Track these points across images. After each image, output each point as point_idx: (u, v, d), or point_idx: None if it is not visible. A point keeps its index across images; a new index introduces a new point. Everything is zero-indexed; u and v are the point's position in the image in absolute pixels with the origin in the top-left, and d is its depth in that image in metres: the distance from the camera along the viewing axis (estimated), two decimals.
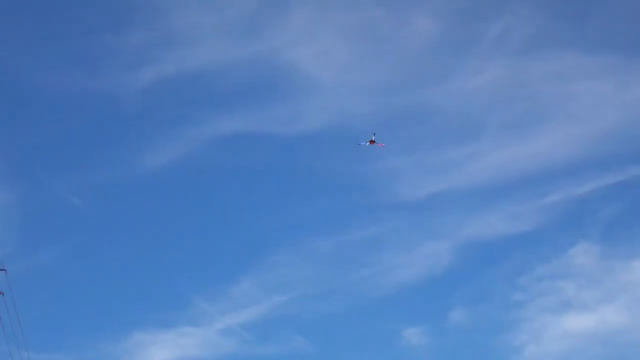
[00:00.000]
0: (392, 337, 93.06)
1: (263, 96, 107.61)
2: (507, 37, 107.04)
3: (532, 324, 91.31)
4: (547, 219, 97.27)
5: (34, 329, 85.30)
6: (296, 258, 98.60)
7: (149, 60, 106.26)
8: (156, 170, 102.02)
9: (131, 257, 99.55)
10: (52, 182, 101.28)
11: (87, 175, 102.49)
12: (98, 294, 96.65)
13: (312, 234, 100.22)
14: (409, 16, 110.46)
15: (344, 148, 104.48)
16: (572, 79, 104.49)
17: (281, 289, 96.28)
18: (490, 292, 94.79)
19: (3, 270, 69.52)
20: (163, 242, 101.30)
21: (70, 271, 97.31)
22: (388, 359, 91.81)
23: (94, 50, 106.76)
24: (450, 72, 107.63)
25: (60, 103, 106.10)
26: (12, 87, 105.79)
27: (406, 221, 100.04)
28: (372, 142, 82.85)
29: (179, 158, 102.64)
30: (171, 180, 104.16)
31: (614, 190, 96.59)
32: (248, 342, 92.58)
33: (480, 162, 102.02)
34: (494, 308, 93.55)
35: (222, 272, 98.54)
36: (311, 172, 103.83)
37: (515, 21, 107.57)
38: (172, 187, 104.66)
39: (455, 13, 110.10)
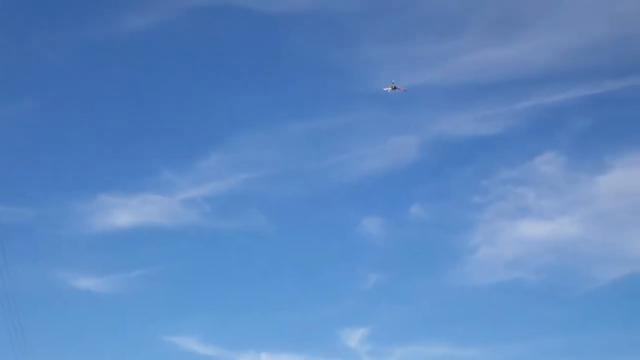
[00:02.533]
0: (350, 225, 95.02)
1: None
2: None
3: (489, 226, 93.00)
4: (517, 124, 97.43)
5: (1, 182, 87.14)
6: (265, 139, 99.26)
7: None
8: (135, 33, 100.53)
9: (102, 120, 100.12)
10: (29, 36, 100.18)
11: (66, 32, 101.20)
12: (66, 153, 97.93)
13: (283, 117, 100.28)
14: None
15: (323, 32, 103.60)
16: None
17: (248, 167, 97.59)
18: (452, 191, 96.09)
19: None
20: (136, 108, 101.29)
21: (40, 127, 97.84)
22: (344, 245, 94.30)
23: None
24: None
25: None
26: None
27: (378, 112, 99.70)
28: (393, 88, 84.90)
29: (159, 23, 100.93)
30: (149, 45, 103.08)
31: (588, 102, 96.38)
32: (209, 215, 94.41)
33: (459, 61, 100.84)
34: (454, 207, 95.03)
35: (191, 145, 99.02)
36: (289, 53, 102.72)
37: None
38: (149, 53, 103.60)
39: None
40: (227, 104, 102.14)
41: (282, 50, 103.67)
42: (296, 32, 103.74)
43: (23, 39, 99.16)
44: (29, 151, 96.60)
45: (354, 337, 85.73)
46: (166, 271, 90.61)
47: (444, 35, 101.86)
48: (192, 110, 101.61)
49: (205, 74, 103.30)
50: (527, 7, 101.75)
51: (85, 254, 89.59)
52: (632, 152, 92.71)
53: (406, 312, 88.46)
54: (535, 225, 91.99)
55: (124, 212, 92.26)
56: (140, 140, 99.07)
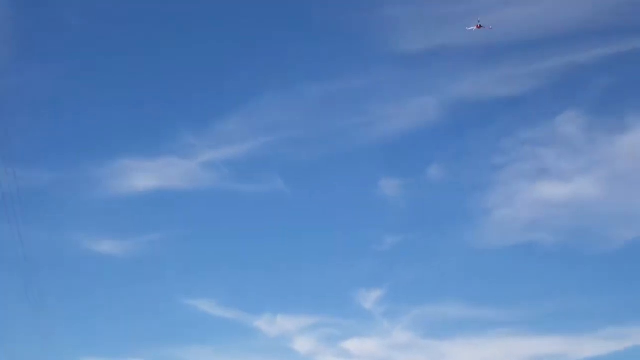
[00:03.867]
0: (368, 187, 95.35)
1: None
2: None
3: (507, 187, 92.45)
4: (539, 84, 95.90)
5: (20, 145, 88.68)
6: (284, 101, 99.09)
7: None
8: None
9: (123, 84, 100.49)
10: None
11: None
12: (86, 117, 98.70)
13: (302, 78, 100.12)
14: None
15: None
16: None
17: (266, 130, 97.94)
18: (470, 152, 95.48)
19: None
20: (156, 71, 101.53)
21: (59, 91, 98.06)
22: (362, 207, 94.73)
23: None
24: None
25: None
26: None
27: (398, 73, 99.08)
28: (479, 27, 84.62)
29: None
30: (170, 9, 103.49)
31: (611, 61, 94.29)
32: (228, 178, 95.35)
33: (482, 19, 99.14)
34: (472, 168, 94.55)
35: (211, 108, 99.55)
36: (308, 15, 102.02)
37: None
38: (170, 15, 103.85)
39: None
40: (247, 67, 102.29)
41: (302, 12, 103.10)
42: None
43: (46, 2, 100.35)
44: (47, 114, 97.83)
45: (370, 298, 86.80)
46: (185, 235, 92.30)
47: None
48: (212, 73, 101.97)
49: (225, 36, 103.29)
50: None
51: (103, 218, 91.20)
52: None
53: (422, 273, 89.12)
54: (553, 186, 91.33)
55: (143, 176, 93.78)
56: (159, 104, 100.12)
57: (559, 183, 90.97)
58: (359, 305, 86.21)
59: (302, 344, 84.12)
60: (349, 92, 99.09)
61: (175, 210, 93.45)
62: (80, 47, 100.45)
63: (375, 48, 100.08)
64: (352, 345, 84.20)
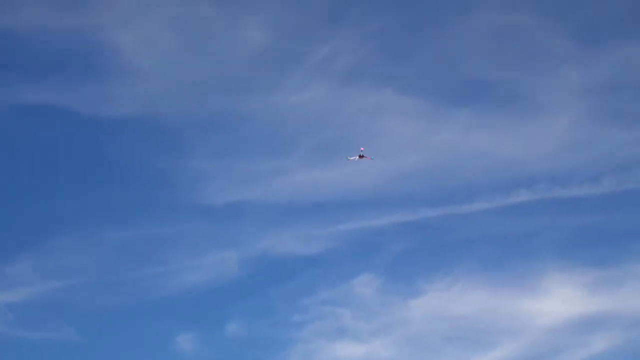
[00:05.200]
0: (165, 340, 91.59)
1: (75, 72, 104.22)
2: (331, 62, 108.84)
3: (306, 346, 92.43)
4: (338, 245, 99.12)
5: None
6: (80, 245, 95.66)
7: None
8: None
9: None
10: None
11: None
12: None
13: (101, 223, 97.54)
14: (241, 21, 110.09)
15: (150, 139, 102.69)
16: (386, 115, 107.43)
17: (59, 275, 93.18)
18: (271, 309, 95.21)
19: None
20: None
21: None
22: None
23: None
24: (272, 85, 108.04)
25: None
26: None
27: (201, 225, 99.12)
28: (360, 156, 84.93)
29: None
30: None
31: (404, 228, 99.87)
32: (11, 324, 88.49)
33: (285, 179, 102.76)
34: (272, 325, 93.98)
35: None
36: (112, 158, 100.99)
37: (341, 48, 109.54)
38: None
39: (287, 28, 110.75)
40: (44, 207, 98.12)
41: (107, 155, 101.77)
42: (122, 138, 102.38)
43: None
44: None
45: None
46: None
47: (273, 154, 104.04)
48: (3, 212, 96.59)
49: (22, 175, 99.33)
50: (352, 134, 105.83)
51: None
52: (444, 277, 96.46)
53: None
54: (350, 346, 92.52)
55: None
56: None
57: (355, 343, 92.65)
58: None
59: None
60: (149, 241, 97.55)
61: None
62: None
63: (179, 198, 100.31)
64: None
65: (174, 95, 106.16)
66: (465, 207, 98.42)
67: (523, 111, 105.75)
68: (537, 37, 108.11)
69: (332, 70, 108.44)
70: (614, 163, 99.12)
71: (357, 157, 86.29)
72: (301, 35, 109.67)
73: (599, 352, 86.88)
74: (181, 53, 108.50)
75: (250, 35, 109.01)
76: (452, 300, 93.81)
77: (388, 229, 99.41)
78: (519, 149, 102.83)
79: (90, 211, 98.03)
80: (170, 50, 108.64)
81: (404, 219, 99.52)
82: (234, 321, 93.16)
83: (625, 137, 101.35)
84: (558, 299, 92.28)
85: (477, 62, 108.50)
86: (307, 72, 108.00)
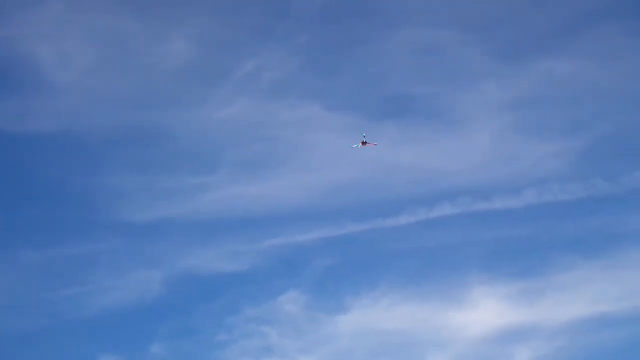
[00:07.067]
0: None
1: None
2: (258, 77, 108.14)
3: None
4: (264, 262, 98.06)
5: None
6: None
7: None
8: None
9: None
10: None
11: None
12: None
13: (18, 242, 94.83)
14: (165, 35, 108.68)
15: (71, 156, 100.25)
16: (312, 130, 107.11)
17: None
18: (196, 329, 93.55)
19: None
20: None
21: None
22: None
23: None
24: (196, 100, 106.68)
25: None
26: None
27: (124, 243, 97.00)
28: (364, 143, 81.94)
29: None
30: None
31: (330, 243, 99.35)
32: None
33: (210, 196, 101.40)
34: (197, 345, 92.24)
35: None
36: (30, 175, 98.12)
37: (268, 63, 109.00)
38: None
39: (212, 42, 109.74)
40: None
41: (25, 172, 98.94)
42: (41, 154, 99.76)
43: None
44: None
45: None
46: None
47: (198, 170, 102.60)
48: None
49: None
50: (279, 148, 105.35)
51: None
52: (371, 292, 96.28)
53: None
54: None
55: None
56: None
57: None
58: None
59: None
60: (69, 260, 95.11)
61: None
62: None
63: (101, 216, 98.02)
64: None
65: (96, 111, 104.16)
66: (391, 221, 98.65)
67: (446, 126, 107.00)
68: (459, 53, 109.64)
69: (259, 85, 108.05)
70: (534, 176, 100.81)
71: (361, 143, 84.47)
72: (227, 50, 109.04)
73: None
74: (103, 68, 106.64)
75: (175, 50, 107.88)
76: (379, 315, 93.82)
77: (314, 245, 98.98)
78: (442, 163, 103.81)
79: (6, 230, 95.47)
80: (91, 64, 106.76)
81: (330, 234, 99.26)
82: (157, 342, 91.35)
83: (545, 151, 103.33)
84: (483, 311, 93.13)
85: (401, 78, 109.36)
86: (233, 87, 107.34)
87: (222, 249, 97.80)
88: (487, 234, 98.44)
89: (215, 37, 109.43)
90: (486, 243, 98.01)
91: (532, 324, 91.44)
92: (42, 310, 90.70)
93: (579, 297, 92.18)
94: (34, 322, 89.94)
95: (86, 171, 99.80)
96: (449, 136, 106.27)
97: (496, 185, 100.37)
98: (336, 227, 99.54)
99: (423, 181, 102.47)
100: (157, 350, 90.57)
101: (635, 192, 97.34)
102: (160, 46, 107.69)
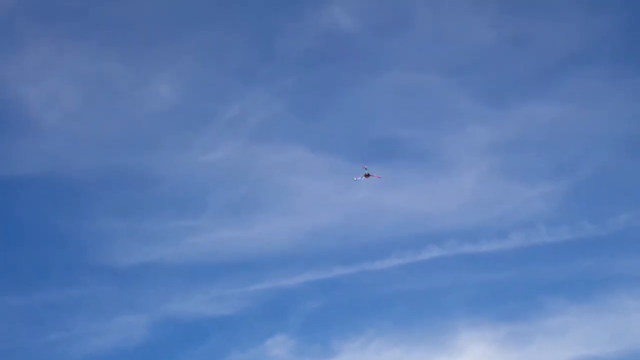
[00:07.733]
0: None
1: None
2: (243, 120, 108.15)
3: None
4: (251, 306, 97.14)
5: None
6: None
7: None
8: None
9: None
10: None
11: None
12: None
13: (1, 287, 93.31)
14: (150, 78, 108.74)
15: (54, 198, 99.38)
16: (298, 173, 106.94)
17: None
18: None
19: None
20: None
21: None
22: None
23: None
24: (182, 143, 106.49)
25: None
26: None
27: (108, 287, 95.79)
28: (366, 175, 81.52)
29: None
30: None
31: (316, 287, 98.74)
32: None
33: (195, 239, 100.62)
34: None
35: None
36: (13, 218, 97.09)
37: (253, 106, 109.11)
38: None
39: (197, 85, 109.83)
40: None
41: (8, 214, 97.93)
42: (25, 196, 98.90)
43: None
44: None
45: None
46: None
47: (183, 213, 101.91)
48: None
49: None
50: (264, 192, 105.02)
51: None
52: (358, 337, 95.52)
53: None
54: None
55: None
56: None
57: None
58: None
59: None
60: (52, 305, 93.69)
61: None
62: None
63: (84, 260, 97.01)
64: None
65: (81, 153, 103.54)
66: (377, 264, 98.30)
67: (432, 168, 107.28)
68: (444, 96, 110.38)
69: (243, 128, 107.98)
70: (520, 219, 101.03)
71: (363, 176, 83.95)
72: (211, 92, 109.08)
73: None
74: (88, 110, 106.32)
75: (160, 93, 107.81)
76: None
77: (300, 288, 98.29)
78: (428, 206, 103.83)
79: None
80: (77, 106, 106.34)
81: (316, 278, 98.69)
82: None
83: (531, 194, 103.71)
84: (471, 356, 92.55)
85: (386, 120, 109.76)
86: (218, 130, 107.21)
87: (207, 293, 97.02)
88: (474, 277, 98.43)
89: (200, 80, 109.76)
90: (473, 286, 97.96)
91: None
92: (25, 356, 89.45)
93: (567, 341, 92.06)
94: None
95: (70, 214, 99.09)
96: (435, 178, 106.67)
97: (483, 228, 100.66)
98: (322, 270, 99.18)
99: (409, 224, 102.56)
100: None
101: (622, 235, 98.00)
102: (145, 89, 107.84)
